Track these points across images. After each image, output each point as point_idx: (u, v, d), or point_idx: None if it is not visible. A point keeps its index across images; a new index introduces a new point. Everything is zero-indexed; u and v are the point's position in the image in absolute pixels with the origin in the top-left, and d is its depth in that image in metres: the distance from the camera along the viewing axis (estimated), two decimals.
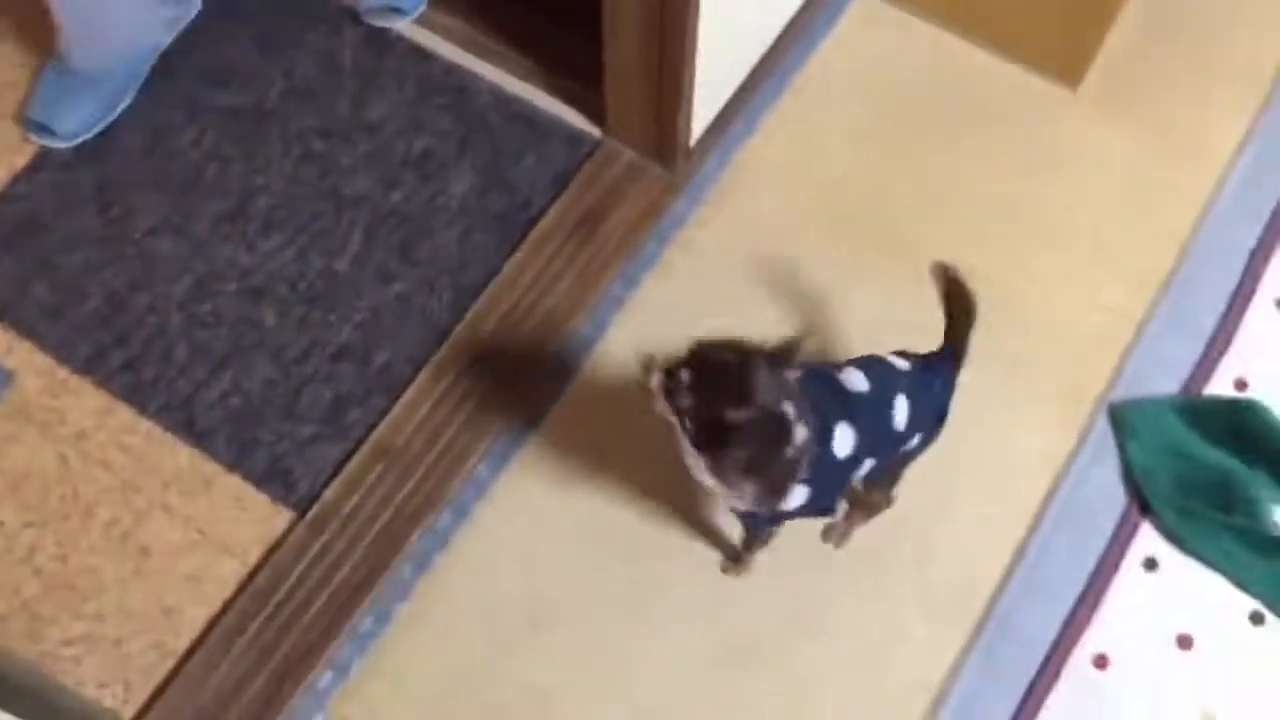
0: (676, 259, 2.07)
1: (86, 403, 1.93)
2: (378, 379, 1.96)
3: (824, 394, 1.51)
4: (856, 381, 1.56)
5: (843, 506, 1.72)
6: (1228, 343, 1.98)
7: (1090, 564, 1.84)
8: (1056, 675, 1.77)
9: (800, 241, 2.08)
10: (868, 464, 1.56)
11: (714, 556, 1.84)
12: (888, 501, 1.78)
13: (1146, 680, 1.78)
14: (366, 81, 2.19)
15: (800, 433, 1.43)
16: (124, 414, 1.93)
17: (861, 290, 2.03)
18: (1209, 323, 2.01)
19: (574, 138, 2.16)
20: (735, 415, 1.40)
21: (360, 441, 1.92)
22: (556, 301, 2.03)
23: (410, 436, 1.92)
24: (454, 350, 1.99)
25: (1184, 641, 1.80)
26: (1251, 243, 2.07)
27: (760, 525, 1.69)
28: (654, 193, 2.11)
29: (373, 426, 1.93)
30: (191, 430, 1.92)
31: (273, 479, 1.89)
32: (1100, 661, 1.78)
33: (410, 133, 2.16)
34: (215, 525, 1.86)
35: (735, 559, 1.81)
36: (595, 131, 2.16)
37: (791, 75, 2.21)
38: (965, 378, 1.93)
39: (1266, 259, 2.05)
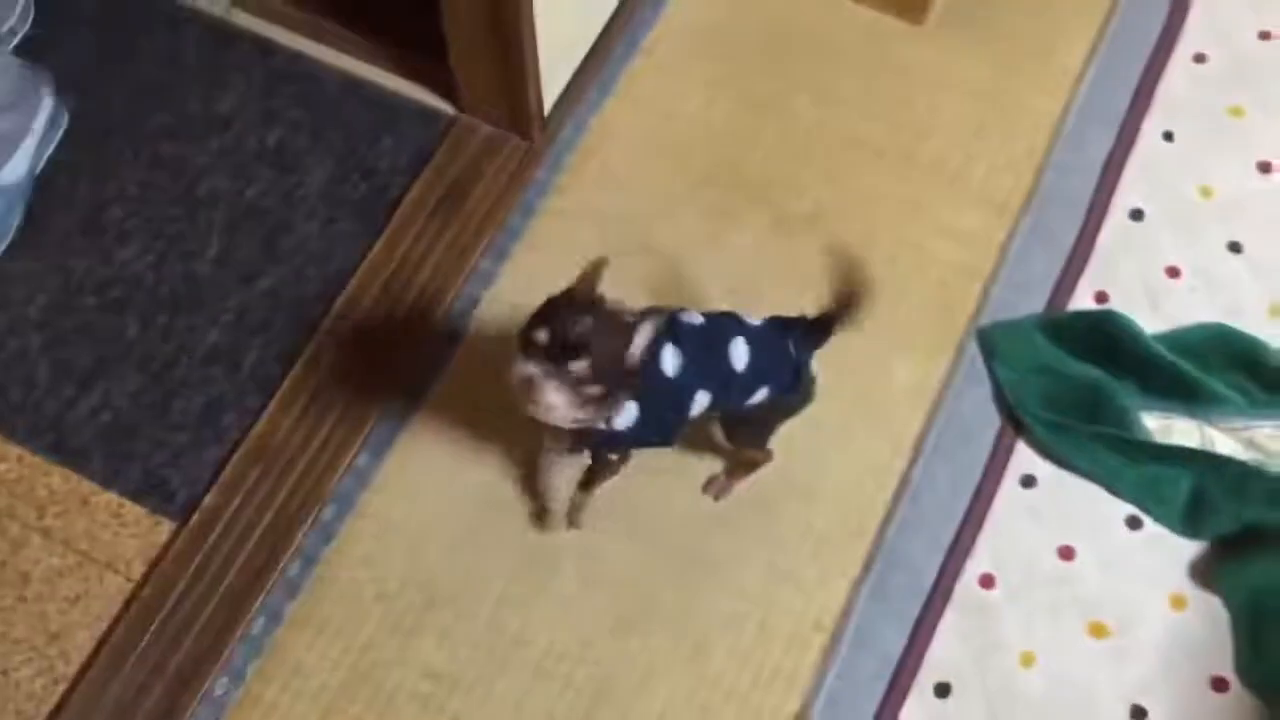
0: (543, 228, 2.07)
1: None
2: (249, 379, 1.94)
3: (654, 318, 1.51)
4: (692, 317, 1.59)
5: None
6: (1086, 258, 2.02)
7: (970, 487, 1.88)
8: (946, 599, 1.81)
9: (665, 198, 2.08)
10: (702, 397, 1.57)
11: (605, 525, 1.85)
12: (765, 456, 1.79)
13: (1032, 595, 1.82)
14: (212, 78, 2.15)
15: (643, 332, 1.45)
16: None
17: (730, 239, 2.04)
18: (1067, 240, 2.04)
19: (428, 116, 2.14)
20: (583, 324, 1.42)
21: (237, 444, 1.89)
22: (426, 282, 2.02)
23: (287, 434, 1.90)
24: (325, 342, 1.97)
25: (1065, 553, 1.85)
26: (1103, 155, 2.11)
27: (600, 448, 1.67)
28: (514, 164, 2.10)
29: (248, 428, 1.90)
30: (63, 450, 1.89)
31: (150, 490, 1.86)
32: (986, 581, 1.83)
33: (261, 126, 2.12)
34: (95, 544, 1.83)
35: (585, 486, 1.78)
36: (449, 108, 2.14)
37: (641, 35, 2.20)
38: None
39: (1119, 170, 2.09)
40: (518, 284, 2.02)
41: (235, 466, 1.87)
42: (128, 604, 1.79)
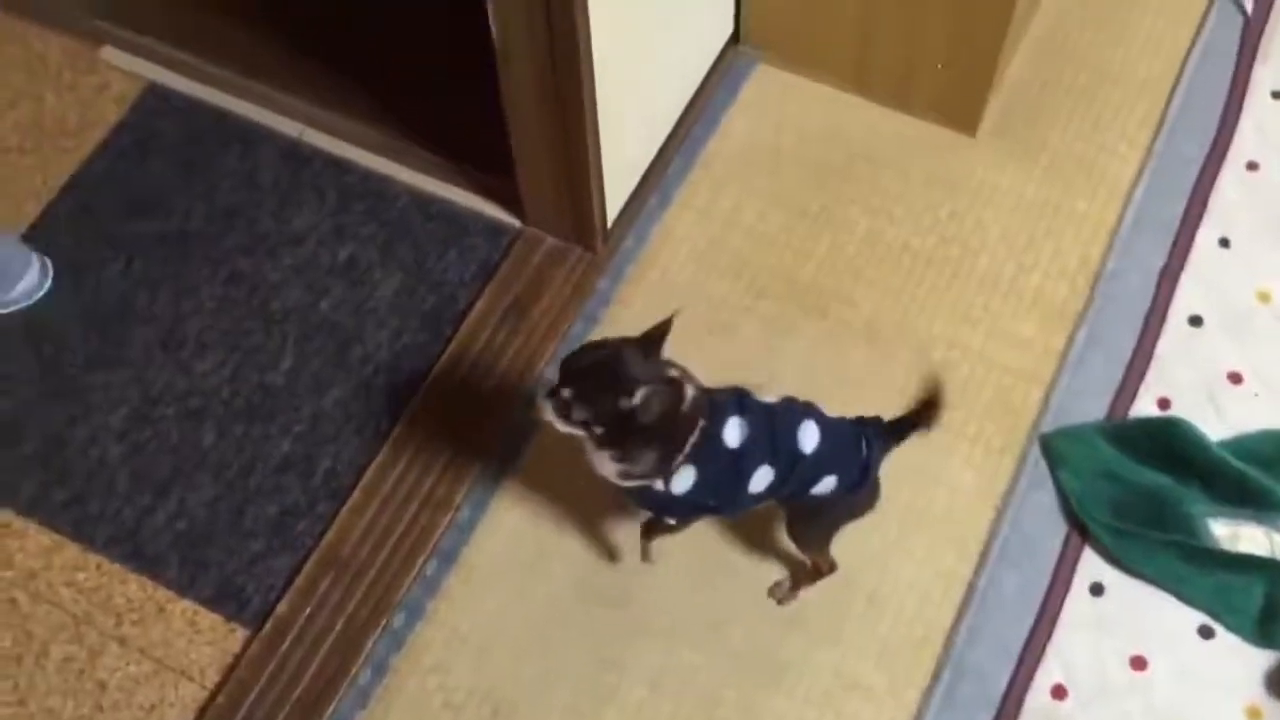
0: (605, 336, 2.10)
1: (33, 543, 1.94)
2: (322, 487, 1.98)
3: (725, 391, 1.58)
4: (766, 396, 1.63)
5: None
6: (1146, 364, 2.03)
7: (1038, 595, 1.87)
8: (1017, 710, 1.79)
9: (723, 308, 2.12)
10: (765, 472, 1.58)
11: (668, 626, 1.85)
12: (829, 565, 1.80)
13: (1105, 706, 1.80)
14: (286, 196, 2.24)
15: (690, 390, 1.51)
16: (72, 550, 1.94)
17: (787, 349, 2.08)
18: (1127, 346, 2.06)
19: (494, 229, 2.20)
20: (629, 401, 1.46)
21: (309, 551, 1.93)
22: (492, 391, 2.06)
23: (358, 542, 1.94)
24: (394, 451, 2.01)
25: (1138, 662, 1.83)
26: (1159, 264, 2.13)
27: (658, 513, 1.70)
28: (577, 274, 2.16)
29: (320, 535, 1.94)
30: (140, 558, 1.93)
31: (225, 598, 1.90)
32: (1058, 692, 1.81)
33: (334, 241, 2.20)
34: (171, 651, 1.86)
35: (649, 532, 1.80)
36: (515, 221, 2.21)
37: (700, 148, 2.27)
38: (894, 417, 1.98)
39: (1175, 279, 2.10)
40: None
41: (308, 574, 1.91)
42: (202, 711, 1.81)
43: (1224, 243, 2.14)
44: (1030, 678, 1.81)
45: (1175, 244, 2.14)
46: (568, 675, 1.83)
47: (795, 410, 1.62)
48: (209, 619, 1.88)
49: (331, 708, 1.81)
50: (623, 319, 2.12)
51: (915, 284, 2.14)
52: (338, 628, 1.87)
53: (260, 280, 2.16)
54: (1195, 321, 2.07)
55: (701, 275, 2.16)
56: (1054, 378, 2.03)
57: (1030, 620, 1.85)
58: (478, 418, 2.04)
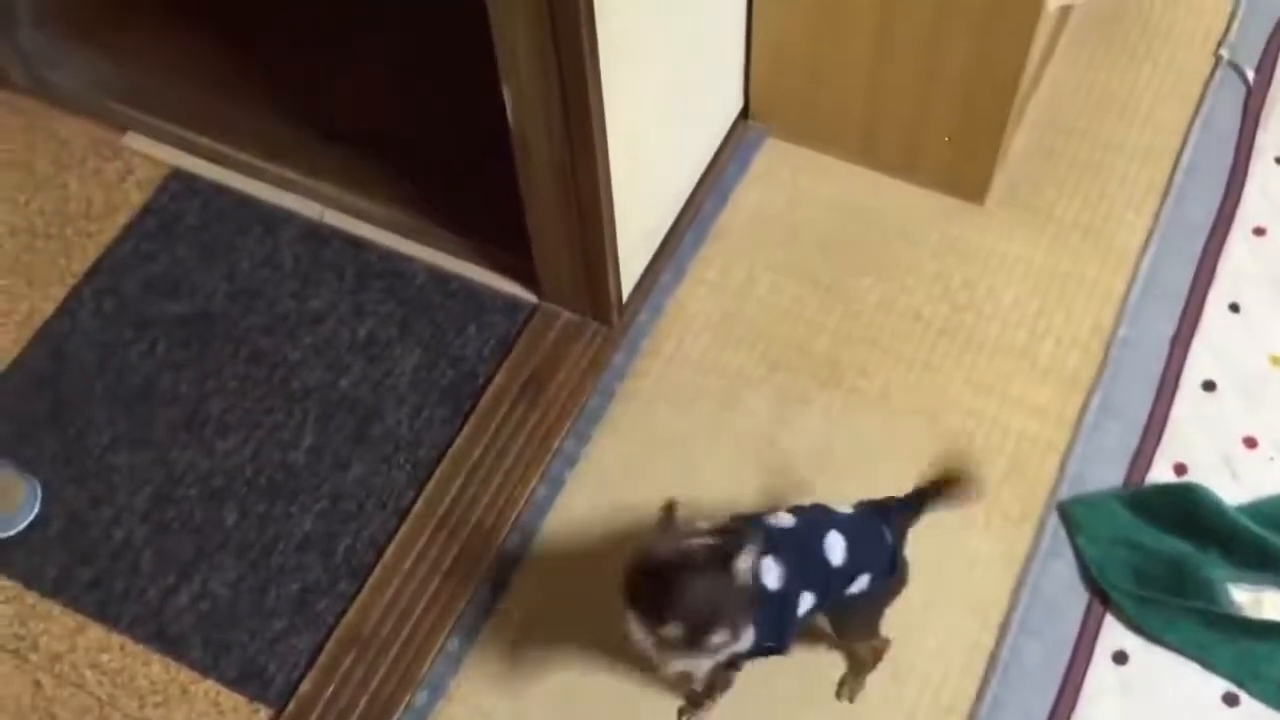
0: (622, 410, 2.13)
1: (56, 625, 1.95)
2: (343, 565, 1.99)
3: (749, 536, 1.53)
4: (783, 520, 1.62)
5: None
6: (1161, 429, 2.04)
7: (1061, 664, 1.87)
8: None
9: (738, 380, 2.14)
10: (807, 598, 1.59)
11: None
12: (883, 644, 1.80)
13: None
14: (306, 276, 2.27)
15: (744, 559, 1.47)
16: (95, 632, 1.95)
17: (802, 421, 2.09)
18: (1142, 412, 2.07)
19: (511, 305, 2.23)
20: (703, 598, 1.44)
21: (331, 630, 1.93)
22: (511, 466, 2.08)
23: (380, 619, 1.94)
24: (415, 527, 2.02)
25: None
26: (1170, 330, 2.15)
27: (718, 674, 1.71)
28: (593, 349, 2.18)
29: (342, 613, 1.95)
30: (164, 639, 1.94)
31: (248, 678, 1.90)
32: None
33: (353, 320, 2.23)
34: None
35: (695, 704, 1.82)
36: (531, 297, 2.24)
37: (712, 221, 2.30)
38: (909, 487, 1.99)
39: (1186, 344, 2.12)
40: (599, 466, 2.07)
41: (330, 652, 1.91)
42: None
43: (1234, 308, 2.16)
44: None
45: (1185, 310, 2.16)
46: None
47: (816, 524, 1.62)
48: (232, 699, 1.89)
49: None
50: (640, 391, 2.14)
51: (929, 352, 2.16)
52: (361, 706, 1.87)
53: (281, 359, 2.19)
54: (1209, 386, 2.09)
55: (715, 348, 2.18)
56: (1070, 445, 2.04)
57: (1054, 690, 1.84)
58: (498, 492, 2.05)
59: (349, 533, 2.02)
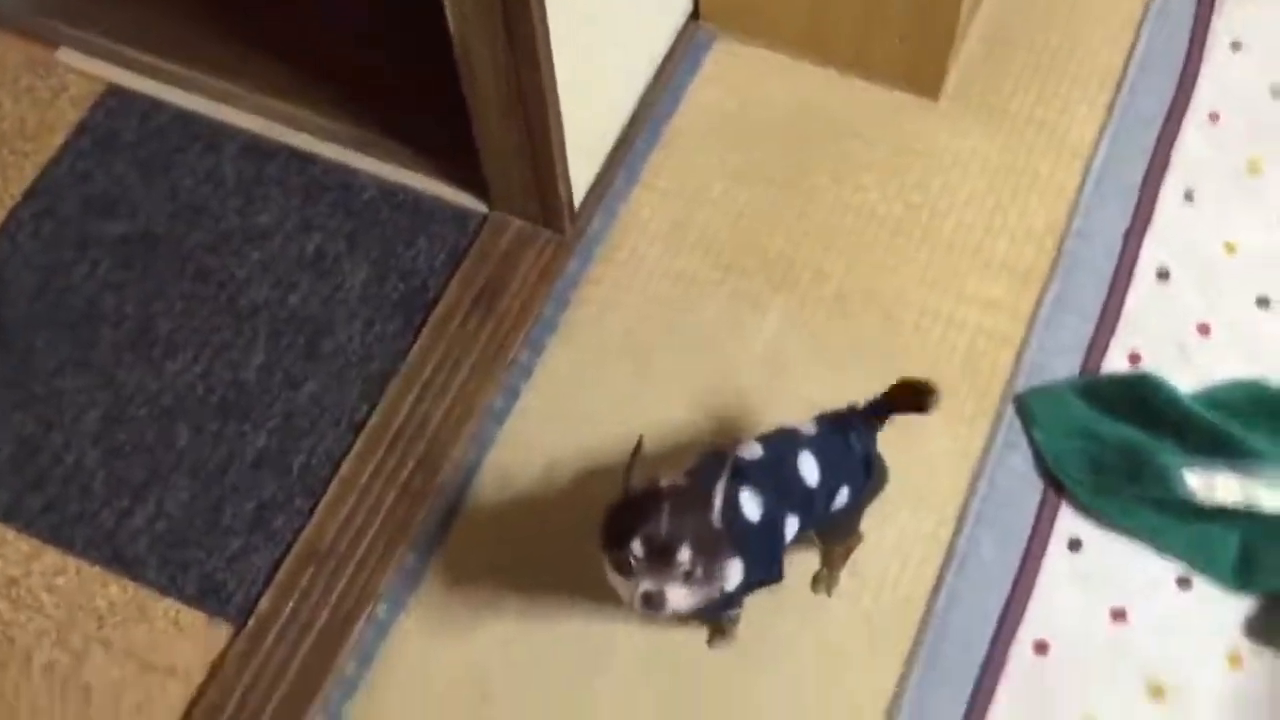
0: (576, 319, 2.11)
1: (11, 551, 1.93)
2: (298, 482, 1.98)
3: (716, 469, 1.53)
4: (753, 451, 1.61)
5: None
6: (1116, 320, 2.04)
7: (1017, 554, 1.88)
8: (1000, 668, 1.81)
9: (693, 283, 2.12)
10: (792, 522, 1.59)
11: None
12: (857, 540, 1.81)
13: (1087, 660, 1.81)
14: (250, 192, 2.22)
15: (717, 499, 1.47)
16: (51, 555, 1.93)
17: (759, 322, 2.08)
18: (1096, 304, 2.06)
19: (461, 215, 2.20)
20: (667, 518, 1.44)
21: (289, 546, 1.92)
22: (465, 378, 2.06)
23: (337, 534, 1.93)
24: (370, 442, 2.00)
25: (1118, 615, 1.84)
26: (1125, 221, 2.14)
27: (717, 614, 1.72)
28: (546, 257, 2.15)
29: (300, 529, 1.94)
30: (120, 560, 1.92)
31: (207, 596, 1.89)
32: (1040, 647, 1.82)
33: (300, 235, 2.19)
34: (155, 652, 1.86)
35: (720, 633, 1.82)
36: (481, 206, 2.20)
37: (664, 124, 2.26)
38: (866, 385, 1.99)
39: (1140, 235, 2.11)
40: (554, 375, 2.06)
41: (289, 568, 1.90)
42: (190, 710, 1.81)
43: (1188, 196, 2.15)
44: (1012, 636, 1.82)
45: (1140, 201, 2.15)
46: (553, 660, 1.84)
47: (786, 449, 1.61)
48: (192, 617, 1.88)
49: (319, 699, 1.81)
50: (594, 298, 2.12)
51: (884, 251, 2.14)
52: (321, 620, 1.87)
53: (227, 277, 2.15)
54: (1163, 276, 2.08)
55: (670, 253, 2.16)
56: (1025, 339, 2.04)
57: (1010, 579, 1.86)
58: (452, 405, 2.03)
59: (303, 449, 2.00)
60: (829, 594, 1.85)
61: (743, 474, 1.56)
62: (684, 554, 1.43)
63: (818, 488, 1.60)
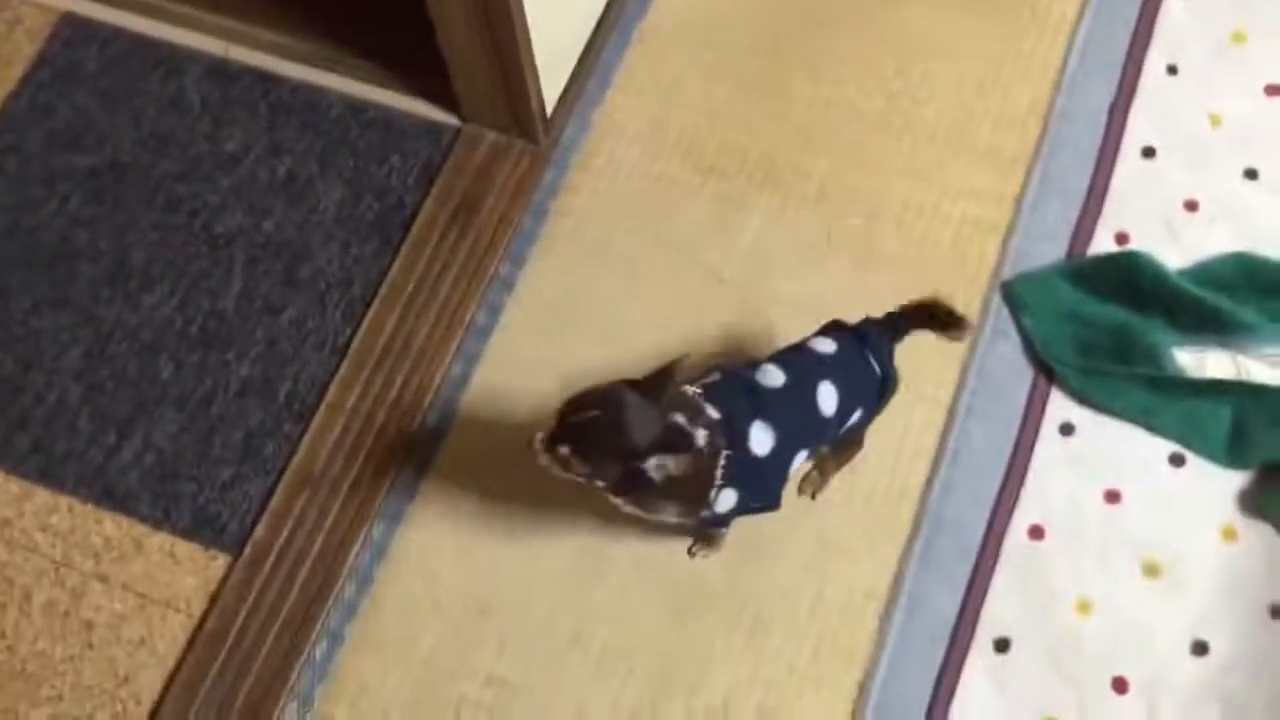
0: (556, 229, 2.08)
1: (1, 492, 1.92)
2: (285, 408, 1.96)
3: (736, 395, 1.51)
4: (772, 378, 1.56)
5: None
6: (1102, 200, 2.01)
7: (1009, 441, 1.88)
8: (996, 555, 1.81)
9: (674, 187, 2.09)
10: (800, 455, 1.57)
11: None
12: (857, 449, 1.80)
13: (1082, 542, 1.82)
14: (217, 116, 2.18)
15: (700, 438, 1.45)
16: (42, 495, 1.92)
17: (742, 223, 2.05)
18: (1082, 185, 2.03)
19: (433, 130, 2.15)
20: (632, 461, 1.42)
21: (280, 473, 1.92)
22: (447, 295, 2.04)
23: (329, 458, 1.93)
24: (355, 365, 1.99)
25: (1112, 496, 1.84)
26: (1109, 98, 2.10)
27: (707, 528, 1.73)
28: (522, 168, 2.12)
29: (290, 455, 1.93)
30: (112, 496, 1.92)
31: (201, 527, 1.89)
32: (1036, 532, 1.82)
33: (271, 158, 2.14)
34: (154, 585, 1.86)
35: (704, 541, 1.82)
36: (453, 119, 2.16)
37: (634, 26, 2.21)
38: (852, 283, 1.97)
39: (1125, 111, 2.08)
40: (537, 287, 2.03)
41: (282, 495, 1.90)
42: (192, 640, 1.82)
43: (1172, 70, 2.11)
44: (1007, 522, 1.83)
45: (1123, 76, 2.11)
46: (551, 569, 1.84)
47: (806, 377, 1.56)
48: (187, 549, 1.88)
49: (320, 623, 1.82)
50: (573, 208, 2.08)
51: (865, 145, 2.10)
52: (317, 544, 1.87)
53: (200, 205, 2.11)
54: (1148, 153, 2.05)
55: (648, 157, 2.12)
56: (1011, 224, 2.01)
57: (1003, 467, 1.86)
58: (436, 322, 2.01)
59: (288, 376, 1.99)
60: (813, 498, 1.85)
61: (759, 408, 1.52)
62: (638, 465, 1.43)
63: (833, 417, 1.57)
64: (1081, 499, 1.84)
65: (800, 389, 1.56)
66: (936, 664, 1.76)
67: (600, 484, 1.49)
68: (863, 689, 1.75)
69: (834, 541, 1.83)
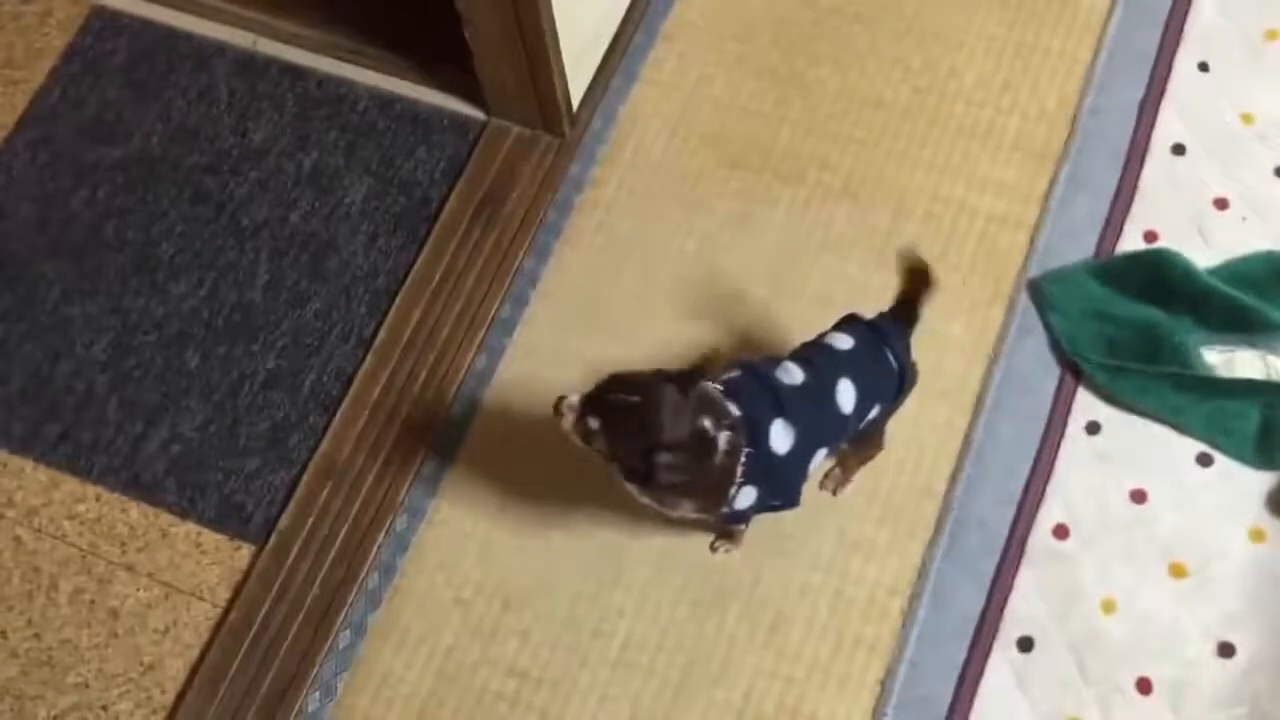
0: (582, 223, 2.08)
1: (29, 481, 1.94)
2: (311, 399, 1.97)
3: (757, 393, 1.51)
4: (792, 375, 1.55)
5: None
6: (1131, 198, 2.00)
7: (1035, 439, 1.87)
8: (1021, 553, 1.80)
9: (699, 182, 2.08)
10: (820, 454, 1.56)
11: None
12: (879, 448, 1.79)
13: (1107, 541, 1.81)
14: (245, 110, 2.19)
15: (722, 441, 1.45)
16: (70, 484, 1.94)
17: (766, 218, 2.04)
18: (1111, 182, 2.02)
19: (459, 124, 2.16)
20: (656, 456, 1.42)
21: (305, 464, 1.93)
22: (472, 288, 2.04)
23: (353, 450, 1.93)
24: (380, 357, 2.00)
25: (1138, 495, 1.83)
26: (1139, 95, 2.08)
27: (726, 524, 1.72)
28: (548, 162, 2.12)
29: (315, 447, 1.94)
30: (139, 486, 1.93)
31: (227, 517, 1.91)
32: (1060, 532, 1.81)
33: (298, 151, 2.15)
34: (179, 574, 1.87)
35: (725, 536, 1.82)
36: (479, 114, 2.16)
37: (659, 22, 2.20)
38: (878, 279, 1.96)
39: (1155, 108, 2.06)
40: (563, 281, 2.03)
41: (306, 485, 1.91)
42: (216, 629, 1.83)
43: (1203, 67, 2.09)
44: (1032, 521, 1.82)
45: (1154, 72, 2.09)
46: (573, 563, 1.84)
47: (826, 375, 1.56)
48: (213, 539, 1.89)
49: (343, 613, 1.83)
50: (599, 202, 2.08)
51: (892, 139, 2.09)
52: (341, 535, 1.88)
53: (227, 197, 2.12)
54: (1178, 150, 2.03)
55: (674, 151, 2.12)
56: (1039, 221, 2.00)
57: (1028, 465, 1.85)
58: (460, 315, 2.02)
59: (314, 367, 2.00)
60: (834, 494, 1.84)
61: (781, 405, 1.52)
62: (655, 460, 1.44)
63: (851, 414, 1.56)
64: (1107, 498, 1.83)
65: (819, 387, 1.56)
66: (959, 662, 1.76)
67: (613, 464, 1.49)
68: (884, 686, 1.74)
69: (855, 538, 1.83)
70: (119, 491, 1.93)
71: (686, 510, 1.55)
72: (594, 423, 1.45)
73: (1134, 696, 1.72)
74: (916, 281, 1.64)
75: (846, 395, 1.56)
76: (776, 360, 1.59)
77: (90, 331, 2.04)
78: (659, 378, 1.46)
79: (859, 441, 1.74)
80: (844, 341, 1.60)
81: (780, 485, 1.56)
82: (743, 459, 1.49)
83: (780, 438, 1.52)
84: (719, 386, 1.53)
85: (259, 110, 2.18)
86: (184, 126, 2.18)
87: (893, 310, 1.64)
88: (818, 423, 1.55)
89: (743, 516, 1.64)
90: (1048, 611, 1.77)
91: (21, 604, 1.86)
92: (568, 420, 1.48)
